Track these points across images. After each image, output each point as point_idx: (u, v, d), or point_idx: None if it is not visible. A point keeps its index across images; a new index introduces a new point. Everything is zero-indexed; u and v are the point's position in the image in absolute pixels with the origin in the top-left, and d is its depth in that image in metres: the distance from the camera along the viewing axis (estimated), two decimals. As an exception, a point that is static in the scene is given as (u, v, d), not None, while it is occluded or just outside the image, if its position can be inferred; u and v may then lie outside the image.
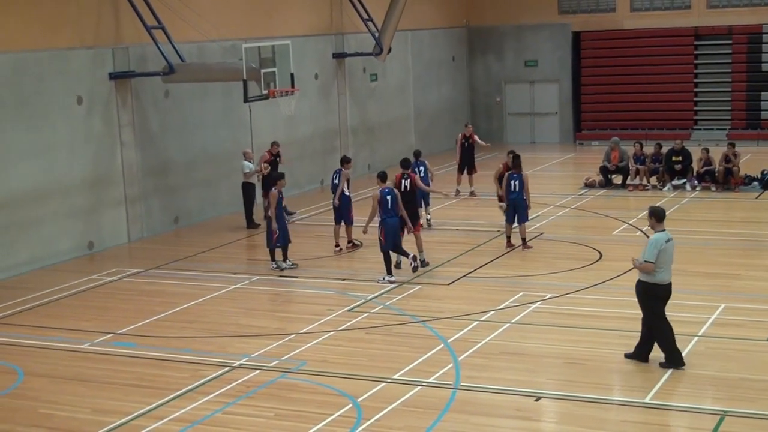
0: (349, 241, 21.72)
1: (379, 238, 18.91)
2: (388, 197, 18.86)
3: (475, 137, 28.07)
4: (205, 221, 25.42)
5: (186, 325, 16.73)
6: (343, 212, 21.57)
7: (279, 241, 19.79)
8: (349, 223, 21.62)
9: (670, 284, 13.71)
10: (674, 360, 13.59)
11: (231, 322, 16.77)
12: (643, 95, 37.46)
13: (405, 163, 20.63)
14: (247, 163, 24.25)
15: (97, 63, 22.77)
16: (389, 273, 18.74)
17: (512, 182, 20.88)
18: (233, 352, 15.09)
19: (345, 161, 22.25)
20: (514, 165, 21.16)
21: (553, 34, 38.61)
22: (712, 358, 13.94)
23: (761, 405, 12.19)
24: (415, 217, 19.93)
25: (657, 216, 13.81)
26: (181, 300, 18.22)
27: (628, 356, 13.96)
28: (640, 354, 13.87)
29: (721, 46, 36.86)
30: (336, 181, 21.80)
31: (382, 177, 19.41)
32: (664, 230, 13.75)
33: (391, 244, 18.78)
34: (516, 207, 20.86)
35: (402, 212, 19.00)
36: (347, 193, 21.62)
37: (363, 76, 32.87)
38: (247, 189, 24.40)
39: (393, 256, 19.13)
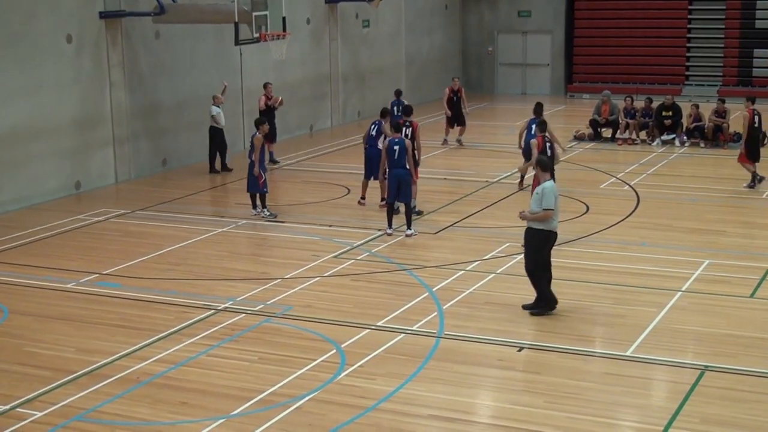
0: (383, 198, 20.05)
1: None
2: (396, 147, 18.22)
3: (463, 90, 27.91)
4: (193, 164, 25.35)
5: (172, 267, 16.74)
6: (374, 166, 20.09)
7: (265, 186, 19.70)
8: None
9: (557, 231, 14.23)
10: (547, 305, 14.00)
11: (217, 266, 16.79)
12: (635, 49, 37.36)
13: (407, 111, 20.67)
14: (215, 107, 24.13)
15: (87, 1, 22.55)
16: (389, 225, 18.44)
17: (532, 125, 21.15)
18: (219, 295, 15.13)
19: (385, 113, 20.97)
20: (536, 112, 21.88)
21: (548, -15, 38.41)
22: (695, 314, 14.03)
23: (741, 361, 12.29)
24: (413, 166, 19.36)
25: (542, 165, 14.24)
26: (168, 242, 18.22)
27: (527, 307, 14.20)
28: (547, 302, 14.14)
29: (715, 2, 36.71)
30: (373, 133, 20.52)
31: (395, 127, 18.84)
32: (551, 179, 14.11)
33: (393, 195, 18.36)
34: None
35: (409, 163, 18.38)
36: (380, 146, 19.95)
37: (355, 22, 32.66)
38: (215, 134, 24.29)
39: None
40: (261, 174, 19.55)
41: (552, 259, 16.59)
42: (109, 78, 23.15)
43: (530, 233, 14.07)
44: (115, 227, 19.56)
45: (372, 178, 20.49)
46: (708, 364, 12.17)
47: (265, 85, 24.95)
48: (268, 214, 19.80)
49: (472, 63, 40.12)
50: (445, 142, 27.59)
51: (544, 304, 14.08)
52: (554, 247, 17.23)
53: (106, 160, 23.33)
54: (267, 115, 24.18)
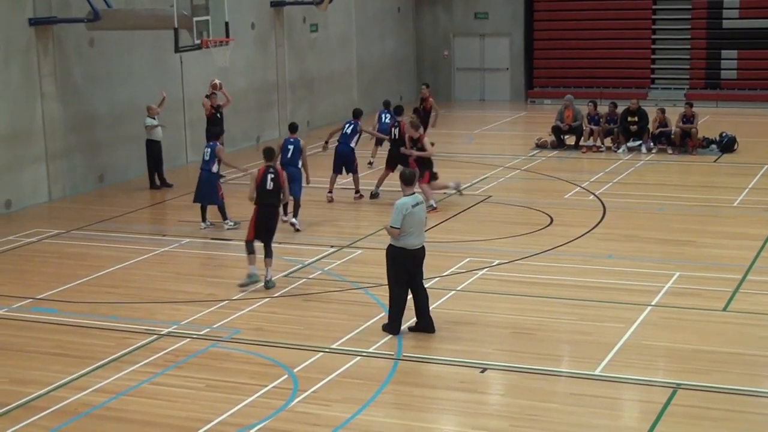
0: (357, 191, 22.76)
1: None
2: (290, 147, 20.26)
3: (431, 101, 28.23)
4: (132, 179, 25.21)
5: (111, 290, 16.63)
6: (345, 162, 22.56)
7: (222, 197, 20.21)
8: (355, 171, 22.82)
9: (419, 249, 14.05)
10: (392, 327, 14.07)
11: (159, 287, 16.71)
12: (598, 51, 37.68)
13: (398, 110, 23.23)
14: (150, 119, 24.06)
15: (15, 8, 22.39)
16: (284, 213, 19.91)
17: (347, 126, 22.66)
18: (162, 319, 15.05)
19: (358, 114, 23.16)
20: (355, 116, 23.00)
21: (505, -15, 38.67)
22: (666, 329, 14.14)
23: (715, 377, 12.40)
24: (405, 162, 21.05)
25: (404, 179, 14.23)
26: (106, 263, 18.09)
27: (412, 329, 14.23)
28: (425, 324, 14.17)
29: (680, 1, 37.15)
30: (348, 131, 22.61)
31: (291, 127, 21.20)
32: (413, 194, 14.09)
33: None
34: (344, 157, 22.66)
35: (304, 163, 20.27)
36: (352, 145, 22.59)
37: (303, 26, 32.69)
38: (152, 147, 24.24)
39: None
40: (220, 185, 20.02)
41: (514, 274, 16.75)
42: (41, 89, 22.99)
43: (387, 248, 14.18)
44: (50, 249, 19.40)
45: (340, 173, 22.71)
46: (680, 382, 12.27)
47: (209, 95, 24.93)
48: (232, 224, 20.12)
49: (427, 68, 40.27)
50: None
51: (391, 326, 14.11)
52: (516, 261, 17.44)
53: (38, 176, 23.14)
54: (215, 122, 24.26)
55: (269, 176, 16.59)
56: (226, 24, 23.29)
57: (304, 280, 16.89)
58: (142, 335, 14.39)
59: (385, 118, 24.68)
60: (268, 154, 16.96)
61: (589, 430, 11.21)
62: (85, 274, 17.45)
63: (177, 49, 22.64)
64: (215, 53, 23.51)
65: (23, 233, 20.41)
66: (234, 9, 25.64)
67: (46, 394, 12.41)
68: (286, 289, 16.40)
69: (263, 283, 16.39)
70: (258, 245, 16.48)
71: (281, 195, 16.71)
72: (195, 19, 22.32)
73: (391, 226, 13.85)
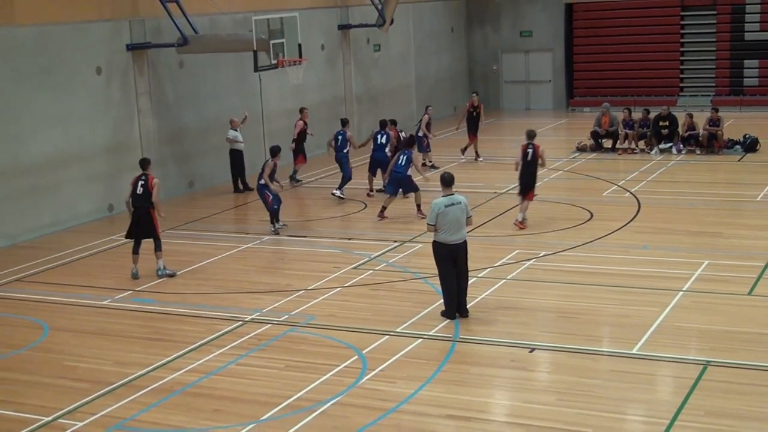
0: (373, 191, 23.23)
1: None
2: (339, 137, 23.41)
3: (482, 107, 28.03)
4: (218, 185, 25.39)
5: (201, 283, 16.78)
6: (380, 165, 22.82)
7: (275, 203, 19.90)
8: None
9: (457, 244, 13.81)
10: (447, 313, 14.05)
11: (243, 279, 16.82)
12: (632, 63, 37.29)
13: (531, 134, 19.59)
14: (232, 131, 24.20)
15: (115, 35, 22.67)
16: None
17: (401, 157, 20.75)
18: (246, 308, 15.15)
19: (385, 124, 23.63)
20: (408, 144, 21.54)
21: (547, 6, 38.33)
22: (696, 312, 13.97)
23: (742, 355, 12.24)
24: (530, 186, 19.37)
25: (442, 181, 14.13)
26: (196, 259, 18.26)
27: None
28: (458, 308, 14.11)
29: (706, 17, 36.60)
30: (383, 140, 22.88)
31: (342, 122, 24.13)
32: (450, 194, 13.90)
33: (373, 170, 23.03)
34: (400, 181, 20.77)
35: (354, 145, 23.34)
36: (387, 151, 22.77)
37: (367, 46, 32.71)
38: (235, 156, 24.40)
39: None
40: (268, 194, 19.82)
41: (559, 264, 16.65)
42: (137, 106, 23.25)
43: (432, 243, 14.18)
44: (147, 247, 19.41)
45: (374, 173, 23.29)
46: (710, 360, 12.12)
47: (301, 110, 25.09)
48: (272, 230, 19.99)
49: (478, 81, 40.08)
50: (476, 155, 27.65)
51: (445, 312, 14.11)
52: (560, 252, 17.32)
53: (136, 183, 23.36)
54: (300, 138, 24.68)
55: (140, 182, 17.35)
56: (299, 46, 23.37)
57: (371, 271, 16.91)
58: (229, 322, 14.50)
59: (381, 138, 22.99)
60: (142, 163, 17.76)
61: (628, 403, 11.11)
62: (178, 268, 17.62)
63: (256, 69, 22.79)
64: (290, 72, 23.61)
65: (124, 233, 20.58)
66: (306, 32, 25.77)
67: (146, 374, 12.56)
68: (356, 279, 16.43)
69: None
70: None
71: (151, 198, 17.21)
72: (272, 42, 22.46)
73: (427, 224, 13.96)
